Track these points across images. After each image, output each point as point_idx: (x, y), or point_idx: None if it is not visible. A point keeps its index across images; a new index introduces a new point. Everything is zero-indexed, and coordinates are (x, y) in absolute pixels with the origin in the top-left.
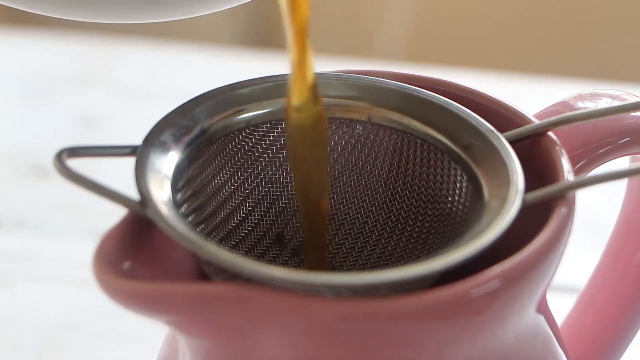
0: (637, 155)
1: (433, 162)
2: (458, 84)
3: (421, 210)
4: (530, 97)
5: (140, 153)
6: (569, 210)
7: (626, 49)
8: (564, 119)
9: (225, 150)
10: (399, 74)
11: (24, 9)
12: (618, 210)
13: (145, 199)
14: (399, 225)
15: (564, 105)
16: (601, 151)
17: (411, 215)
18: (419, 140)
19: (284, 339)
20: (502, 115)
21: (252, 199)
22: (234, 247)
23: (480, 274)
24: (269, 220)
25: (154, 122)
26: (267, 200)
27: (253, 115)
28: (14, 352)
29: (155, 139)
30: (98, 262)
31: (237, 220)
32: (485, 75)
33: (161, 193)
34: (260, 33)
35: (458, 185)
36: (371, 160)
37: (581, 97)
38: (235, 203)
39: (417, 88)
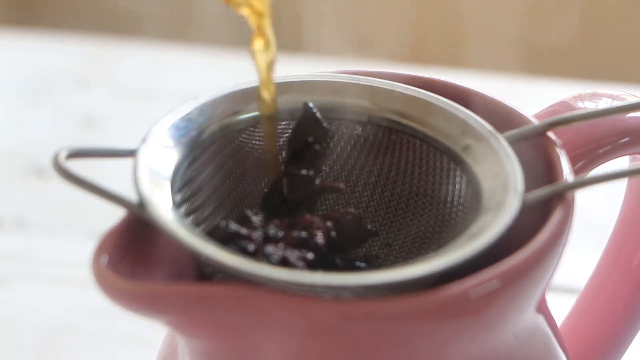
0: (637, 155)
1: (432, 163)
2: (458, 84)
3: (420, 211)
4: (530, 97)
5: (140, 154)
6: (569, 210)
7: (626, 50)
8: (564, 119)
9: (225, 150)
10: (398, 74)
11: None
12: (618, 210)
13: (144, 200)
14: (398, 225)
15: (564, 105)
16: (601, 151)
17: (410, 215)
18: (418, 141)
19: (283, 339)
20: (501, 116)
21: (251, 199)
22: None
23: (479, 274)
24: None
25: (153, 123)
26: None
27: (252, 116)
28: (14, 352)
29: (154, 139)
30: (97, 263)
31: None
32: (485, 76)
33: (160, 194)
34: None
35: (457, 185)
36: (370, 160)
37: (581, 97)
38: (234, 204)
39: (416, 89)
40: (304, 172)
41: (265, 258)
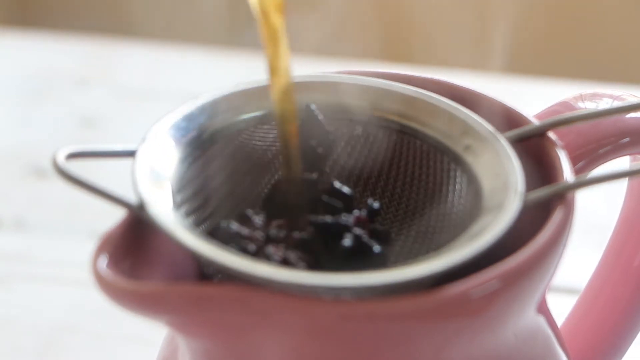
0: (637, 156)
1: (433, 163)
2: (458, 85)
3: (421, 211)
4: (531, 97)
5: (140, 154)
6: (569, 210)
7: (627, 50)
8: (564, 120)
9: (225, 151)
10: (398, 74)
11: None
12: (618, 210)
13: (143, 201)
14: (399, 225)
15: (564, 105)
16: (601, 151)
17: (411, 215)
18: (418, 141)
19: (282, 340)
20: (502, 116)
21: (252, 199)
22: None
23: (479, 274)
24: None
25: (153, 123)
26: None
27: (253, 116)
28: (14, 352)
29: (154, 139)
30: (97, 263)
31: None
32: (485, 76)
33: (160, 194)
34: (260, 33)
35: (458, 186)
36: (371, 161)
37: (581, 98)
38: (235, 204)
39: (416, 89)
40: (306, 175)
41: (266, 258)
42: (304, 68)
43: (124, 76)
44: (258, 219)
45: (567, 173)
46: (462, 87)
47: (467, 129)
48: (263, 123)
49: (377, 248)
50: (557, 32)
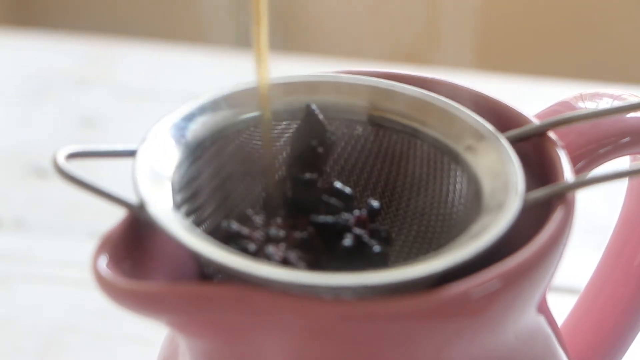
0: (638, 155)
1: (433, 163)
2: (458, 84)
3: (421, 211)
4: (531, 97)
5: (140, 154)
6: (569, 210)
7: (627, 50)
8: (565, 119)
9: (225, 150)
10: (398, 74)
11: None
12: (618, 210)
13: (143, 201)
14: (399, 225)
15: (565, 105)
16: (601, 151)
17: (411, 215)
18: (418, 141)
19: (283, 340)
20: (502, 116)
21: (252, 199)
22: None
23: (480, 274)
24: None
25: (153, 123)
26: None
27: (253, 116)
28: (13, 353)
29: (154, 139)
30: (97, 263)
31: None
32: (485, 76)
33: (161, 194)
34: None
35: (458, 186)
36: (370, 161)
37: (582, 97)
38: (235, 204)
39: (416, 88)
40: (307, 175)
41: (266, 258)
42: (304, 68)
43: (124, 76)
44: (258, 219)
45: (567, 173)
46: (462, 87)
47: (467, 129)
48: None
49: (377, 248)
50: (557, 32)
